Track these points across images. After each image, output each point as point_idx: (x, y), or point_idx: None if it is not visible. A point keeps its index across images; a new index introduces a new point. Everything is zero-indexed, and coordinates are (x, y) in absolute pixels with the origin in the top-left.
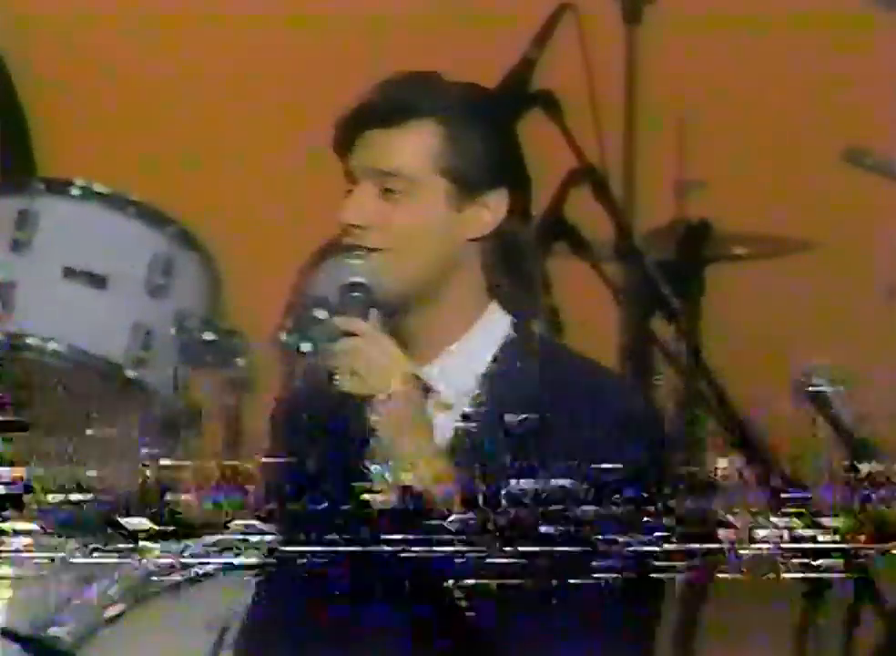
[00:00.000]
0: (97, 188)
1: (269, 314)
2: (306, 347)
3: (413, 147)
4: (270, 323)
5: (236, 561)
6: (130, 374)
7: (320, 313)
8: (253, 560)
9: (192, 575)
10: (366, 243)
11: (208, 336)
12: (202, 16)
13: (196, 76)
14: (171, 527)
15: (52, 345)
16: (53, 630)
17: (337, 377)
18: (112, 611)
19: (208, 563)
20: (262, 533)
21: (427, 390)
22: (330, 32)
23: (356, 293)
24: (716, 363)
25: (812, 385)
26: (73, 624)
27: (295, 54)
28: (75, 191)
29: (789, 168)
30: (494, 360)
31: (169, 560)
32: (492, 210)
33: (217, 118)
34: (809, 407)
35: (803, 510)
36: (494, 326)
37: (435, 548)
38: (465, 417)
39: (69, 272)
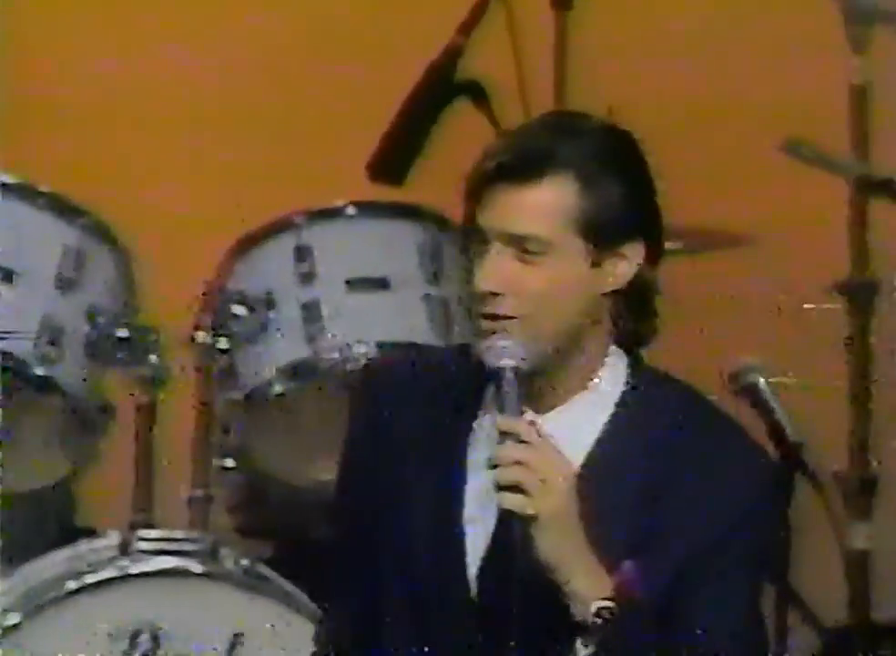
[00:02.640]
0: (4, 178)
1: (185, 310)
2: (223, 345)
3: (550, 208)
4: (186, 320)
5: (135, 569)
6: (39, 371)
7: (239, 310)
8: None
9: (94, 581)
10: (502, 311)
11: (122, 333)
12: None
13: (110, 62)
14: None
15: None
16: None
17: (500, 493)
18: (11, 620)
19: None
20: (170, 539)
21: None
22: (254, 27)
23: (507, 382)
24: (650, 359)
25: (746, 382)
26: None
27: (217, 51)
28: None
29: (726, 159)
30: (617, 408)
31: (73, 564)
32: (629, 260)
33: (129, 107)
34: (743, 403)
35: None
36: (616, 372)
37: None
38: (584, 475)
39: None
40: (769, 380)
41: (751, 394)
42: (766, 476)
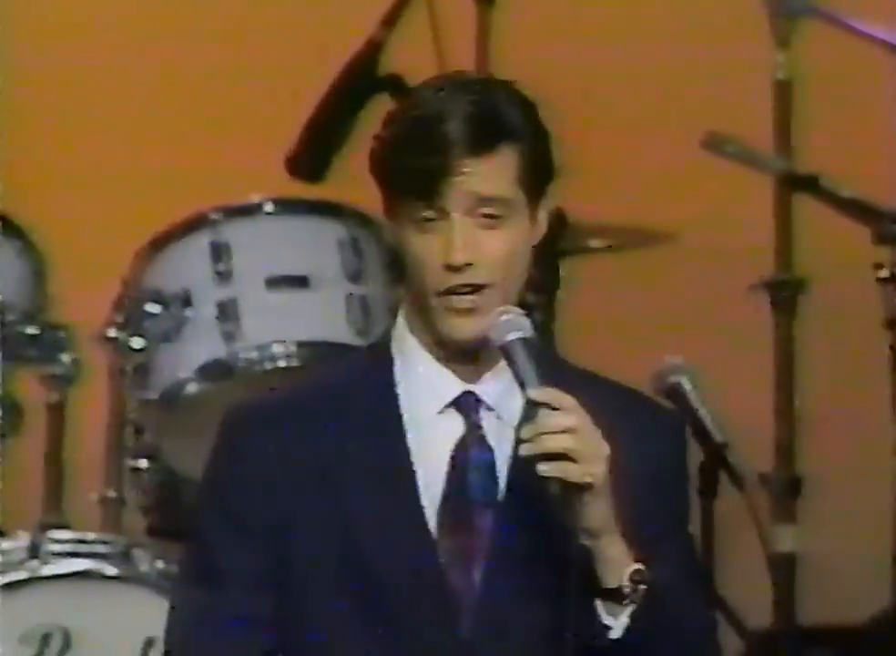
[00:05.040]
0: None
1: (98, 308)
2: (137, 344)
3: (508, 169)
4: (99, 317)
5: (46, 571)
6: None
7: (154, 308)
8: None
9: (3, 583)
10: (477, 280)
11: (31, 330)
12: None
13: (25, 64)
14: None
15: None
16: None
17: (542, 464)
18: None
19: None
20: (81, 541)
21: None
22: (166, 23)
23: (521, 355)
24: (572, 359)
25: (670, 382)
26: None
27: (128, 47)
28: None
29: (649, 156)
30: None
31: None
32: (545, 210)
33: (40, 101)
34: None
35: None
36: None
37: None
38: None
39: None
40: (693, 380)
41: (675, 395)
42: (684, 432)
